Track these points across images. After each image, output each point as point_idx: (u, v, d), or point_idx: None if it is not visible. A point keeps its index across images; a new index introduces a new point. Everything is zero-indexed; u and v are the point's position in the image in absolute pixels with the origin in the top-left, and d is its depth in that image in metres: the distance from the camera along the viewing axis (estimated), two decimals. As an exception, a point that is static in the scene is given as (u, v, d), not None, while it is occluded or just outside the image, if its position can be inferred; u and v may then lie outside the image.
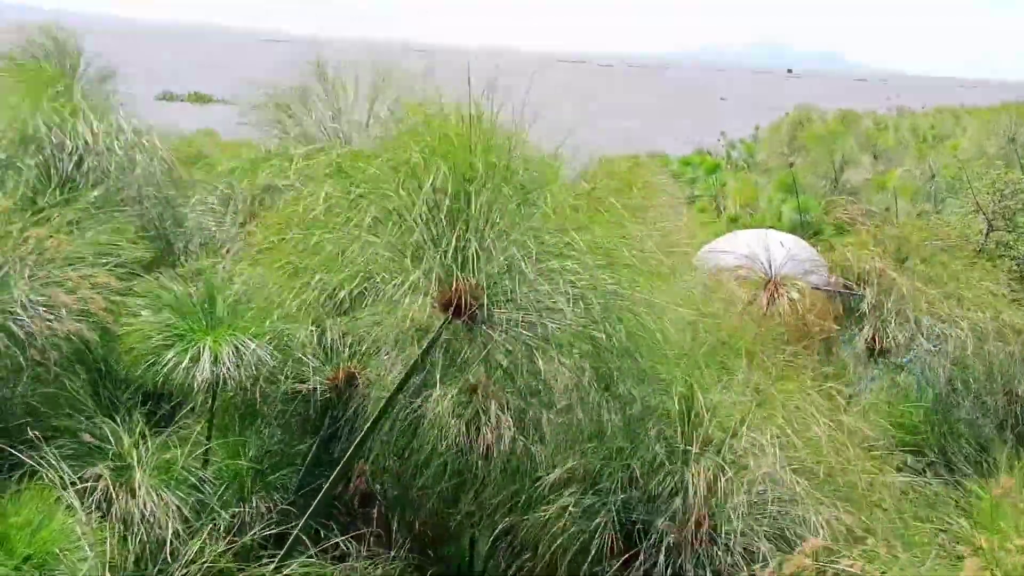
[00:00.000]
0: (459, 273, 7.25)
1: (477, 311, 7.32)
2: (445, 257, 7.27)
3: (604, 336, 7.58)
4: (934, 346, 10.87)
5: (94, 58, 11.65)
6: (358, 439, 7.62)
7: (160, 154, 9.75)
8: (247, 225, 8.53)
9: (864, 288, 11.57)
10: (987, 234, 19.16)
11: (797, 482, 7.77)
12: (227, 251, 8.60)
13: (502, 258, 7.34)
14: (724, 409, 8.17)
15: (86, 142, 9.35)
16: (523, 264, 7.28)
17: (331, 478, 7.50)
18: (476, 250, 7.28)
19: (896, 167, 31.85)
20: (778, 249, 13.91)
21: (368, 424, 7.55)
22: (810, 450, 7.94)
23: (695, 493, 7.65)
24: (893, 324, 11.07)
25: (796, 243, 17.50)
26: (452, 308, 7.29)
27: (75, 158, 9.29)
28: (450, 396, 7.50)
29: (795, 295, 11.24)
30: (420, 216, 7.37)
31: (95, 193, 9.05)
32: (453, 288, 7.25)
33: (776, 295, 11.39)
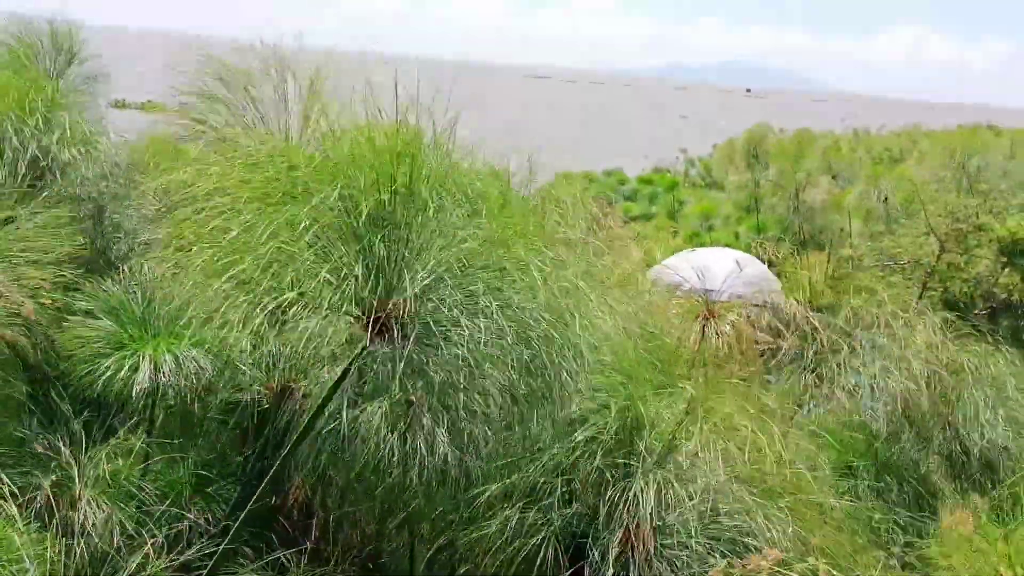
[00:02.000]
0: (382, 291, 7.11)
1: (403, 328, 7.17)
2: (368, 274, 7.11)
3: (536, 352, 7.49)
4: (875, 384, 10.92)
5: (86, 59, 11.60)
6: (285, 451, 7.53)
7: (106, 158, 9.62)
8: (179, 230, 8.38)
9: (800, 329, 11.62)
10: (939, 256, 19.37)
11: (744, 494, 7.77)
12: (162, 257, 8.44)
13: (426, 275, 7.18)
14: (663, 423, 8.14)
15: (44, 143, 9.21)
16: (448, 282, 7.17)
17: (258, 490, 7.40)
18: (400, 268, 7.14)
19: (852, 188, 32.13)
20: (724, 270, 13.94)
21: (296, 437, 7.46)
22: (752, 463, 7.93)
23: (637, 506, 7.63)
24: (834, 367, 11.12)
25: (750, 262, 17.59)
26: (374, 326, 7.12)
27: (32, 155, 9.15)
28: (383, 409, 7.41)
29: (727, 327, 11.23)
30: (343, 229, 7.20)
31: (44, 194, 8.94)
32: (376, 306, 7.08)
33: (712, 321, 11.40)
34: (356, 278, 7.03)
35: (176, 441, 8.25)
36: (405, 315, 7.05)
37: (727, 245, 24.91)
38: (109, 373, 7.43)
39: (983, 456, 11.16)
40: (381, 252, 7.12)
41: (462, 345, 7.17)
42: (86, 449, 7.56)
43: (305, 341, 7.51)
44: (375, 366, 7.42)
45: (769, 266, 16.75)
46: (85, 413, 8.02)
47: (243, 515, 7.43)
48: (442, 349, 7.26)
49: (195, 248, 7.56)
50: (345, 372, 7.27)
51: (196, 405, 7.91)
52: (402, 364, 7.10)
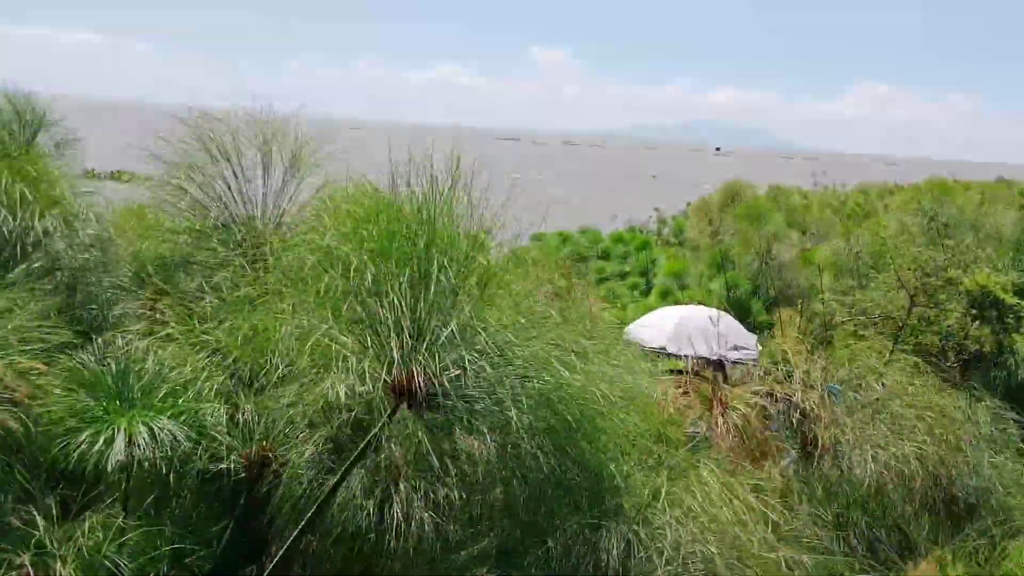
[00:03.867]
0: (413, 360, 7.19)
1: (429, 396, 7.25)
2: (401, 342, 7.19)
3: (553, 418, 7.54)
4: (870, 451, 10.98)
5: (52, 128, 11.63)
6: (293, 536, 7.50)
7: (82, 228, 9.62)
8: (155, 302, 8.41)
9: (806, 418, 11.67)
10: (910, 310, 19.50)
11: (714, 555, 7.78)
12: (138, 328, 8.45)
13: (453, 346, 7.28)
14: (639, 487, 8.18)
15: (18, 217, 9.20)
16: (479, 352, 7.26)
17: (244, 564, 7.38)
18: (432, 337, 7.24)
19: (822, 243, 32.39)
20: (700, 328, 14.05)
21: (304, 521, 7.42)
22: (719, 530, 7.96)
23: (609, 565, 7.65)
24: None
25: (723, 319, 17.70)
26: (404, 394, 7.21)
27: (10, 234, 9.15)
28: (360, 476, 7.41)
29: (737, 418, 11.29)
30: (377, 300, 7.29)
31: (18, 270, 8.92)
32: (407, 374, 7.17)
33: (724, 409, 11.45)
34: (396, 342, 7.10)
35: (152, 513, 8.19)
36: (429, 384, 7.12)
37: (700, 302, 25.02)
38: (83, 447, 7.38)
39: (972, 506, 11.25)
40: (408, 320, 7.19)
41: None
42: (62, 524, 7.49)
43: (282, 410, 7.52)
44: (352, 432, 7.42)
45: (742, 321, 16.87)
46: (60, 487, 7.97)
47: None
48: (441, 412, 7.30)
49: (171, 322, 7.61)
50: (373, 435, 7.26)
51: (171, 477, 7.86)
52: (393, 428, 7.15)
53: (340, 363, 7.21)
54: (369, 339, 7.22)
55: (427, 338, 7.22)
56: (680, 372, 12.15)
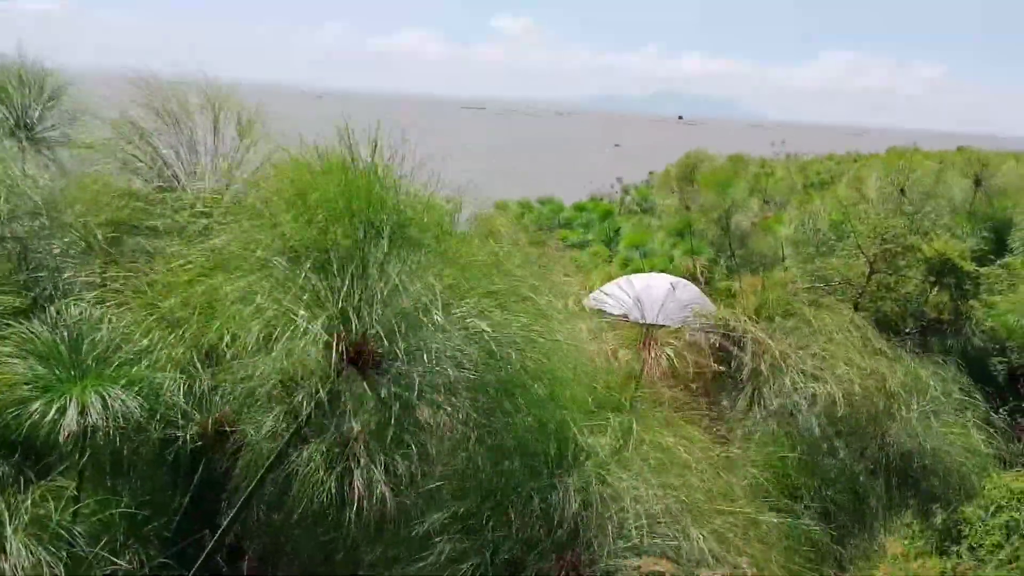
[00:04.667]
0: (357, 324, 7.17)
1: (374, 361, 7.24)
2: (345, 307, 7.18)
3: (494, 379, 7.54)
4: (806, 399, 11.10)
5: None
6: (240, 503, 7.46)
7: (29, 195, 9.47)
8: (105, 269, 8.31)
9: (740, 349, 11.79)
10: (869, 277, 19.68)
11: (679, 515, 7.81)
12: (89, 297, 8.33)
13: (396, 308, 7.26)
14: (599, 449, 8.18)
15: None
16: (423, 313, 7.23)
17: (201, 534, 7.34)
18: (376, 300, 7.22)
19: (784, 211, 32.56)
20: (660, 296, 14.06)
21: (244, 482, 7.40)
22: (684, 485, 7.99)
23: (566, 527, 7.67)
24: (768, 386, 11.29)
25: (683, 286, 17.73)
26: (348, 358, 7.19)
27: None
28: (321, 450, 7.37)
29: (669, 351, 11.39)
30: (314, 266, 7.25)
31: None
32: (352, 340, 7.16)
33: (652, 348, 11.54)
34: (335, 314, 7.08)
35: (108, 483, 8.13)
36: (376, 350, 7.10)
37: (662, 270, 25.08)
38: (36, 416, 7.29)
39: (912, 463, 11.39)
40: (353, 286, 7.16)
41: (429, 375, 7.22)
42: (14, 493, 7.42)
43: (240, 381, 7.46)
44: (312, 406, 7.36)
45: (696, 281, 16.93)
46: (15, 457, 7.89)
47: (175, 556, 7.35)
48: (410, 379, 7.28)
49: (125, 289, 7.53)
50: (327, 397, 7.23)
51: (126, 447, 7.78)
52: (353, 399, 7.13)
53: (288, 332, 7.18)
54: (312, 308, 7.18)
55: (371, 304, 7.21)
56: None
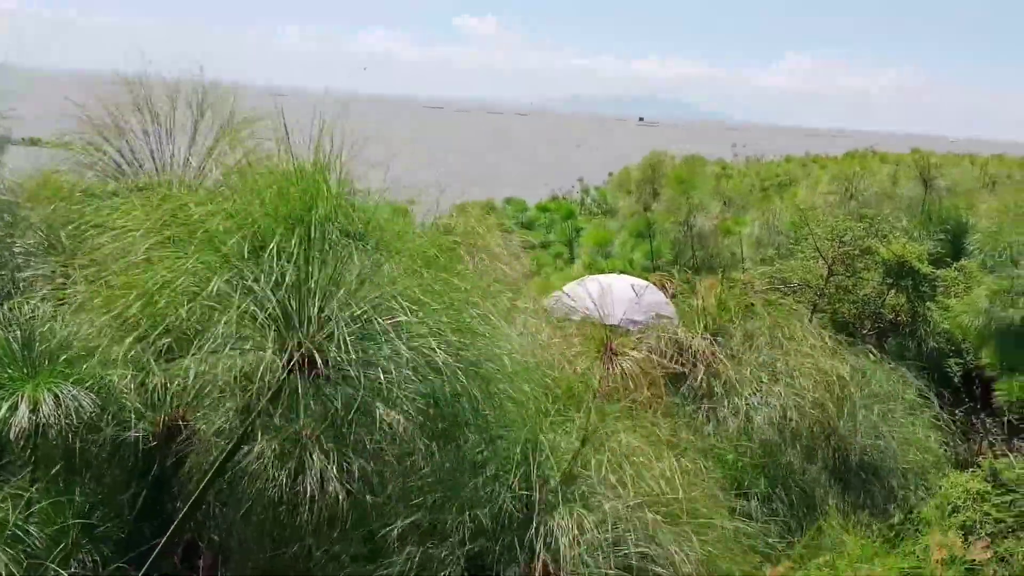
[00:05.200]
0: (300, 332, 7.14)
1: (315, 365, 7.20)
2: (287, 316, 7.16)
3: (442, 387, 7.50)
4: (761, 400, 11.18)
5: None
6: (192, 500, 7.38)
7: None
8: (66, 267, 8.22)
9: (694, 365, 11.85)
10: (827, 279, 19.82)
11: (645, 519, 7.81)
12: (44, 294, 8.23)
13: (343, 315, 7.22)
14: (560, 453, 8.16)
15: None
16: (365, 321, 7.20)
17: (163, 540, 7.24)
18: (317, 309, 7.19)
19: (743, 213, 32.72)
20: (621, 297, 14.07)
21: (197, 478, 7.33)
22: (647, 491, 8.00)
23: (538, 538, 7.63)
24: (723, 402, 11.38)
25: (647, 289, 17.75)
26: (292, 364, 7.16)
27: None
28: (272, 447, 7.30)
29: (627, 363, 11.42)
30: (257, 274, 7.21)
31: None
32: (294, 346, 7.14)
33: (613, 357, 11.57)
34: (276, 317, 7.05)
35: (60, 482, 8.01)
36: (317, 351, 7.06)
37: (623, 271, 25.11)
38: (-14, 414, 7.17)
39: (866, 464, 11.47)
40: (293, 290, 7.13)
41: (368, 379, 7.17)
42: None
43: (193, 378, 7.38)
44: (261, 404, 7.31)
45: (664, 291, 16.96)
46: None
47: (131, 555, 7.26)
48: (344, 384, 7.23)
49: (80, 285, 7.44)
50: (268, 401, 7.18)
51: (79, 444, 7.68)
52: (304, 399, 7.08)
53: (234, 332, 7.15)
54: (256, 312, 7.15)
55: (314, 309, 7.19)
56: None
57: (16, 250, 9.56)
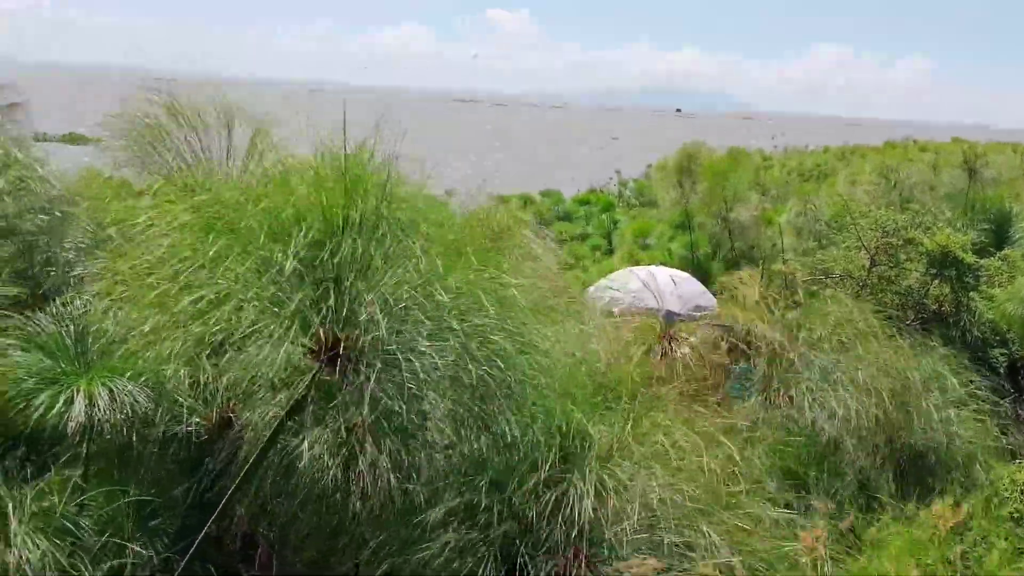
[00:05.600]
0: (332, 323, 7.18)
1: (352, 357, 7.24)
2: (319, 308, 7.20)
3: (480, 375, 7.51)
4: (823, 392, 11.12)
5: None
6: (234, 485, 7.44)
7: (38, 191, 9.45)
8: (115, 264, 8.31)
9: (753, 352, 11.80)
10: (870, 270, 19.62)
11: (682, 506, 7.81)
12: (96, 290, 8.33)
13: (376, 308, 7.24)
14: (602, 440, 8.17)
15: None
16: (399, 312, 7.23)
17: (207, 524, 7.31)
18: (350, 301, 7.21)
19: (782, 204, 32.47)
20: (664, 288, 14.08)
21: (244, 469, 7.39)
22: (687, 477, 8.00)
23: (571, 521, 7.65)
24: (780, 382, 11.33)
25: (686, 280, 17.73)
26: (325, 357, 7.20)
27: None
28: (325, 438, 7.35)
29: (687, 349, 11.42)
30: (293, 267, 7.25)
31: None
32: (326, 338, 7.18)
33: (672, 345, 11.56)
34: (315, 311, 7.09)
35: (114, 475, 8.10)
36: (359, 346, 7.09)
37: (662, 263, 25.05)
38: (43, 408, 7.27)
39: (921, 454, 11.37)
40: (334, 284, 7.16)
41: (412, 372, 7.20)
42: (20, 485, 7.40)
43: (244, 371, 7.44)
44: (317, 394, 7.37)
45: (703, 282, 16.92)
46: (20, 449, 7.87)
47: (185, 548, 7.33)
48: (391, 375, 7.27)
49: (132, 282, 7.53)
50: (301, 398, 7.23)
51: (134, 438, 7.76)
52: (352, 391, 7.12)
53: (275, 328, 7.22)
54: (291, 307, 7.20)
55: (346, 301, 7.22)
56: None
57: (66, 246, 9.67)
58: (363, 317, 7.22)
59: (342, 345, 7.21)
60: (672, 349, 11.48)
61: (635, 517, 7.67)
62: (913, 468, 11.39)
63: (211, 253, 7.25)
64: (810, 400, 11.15)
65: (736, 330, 11.84)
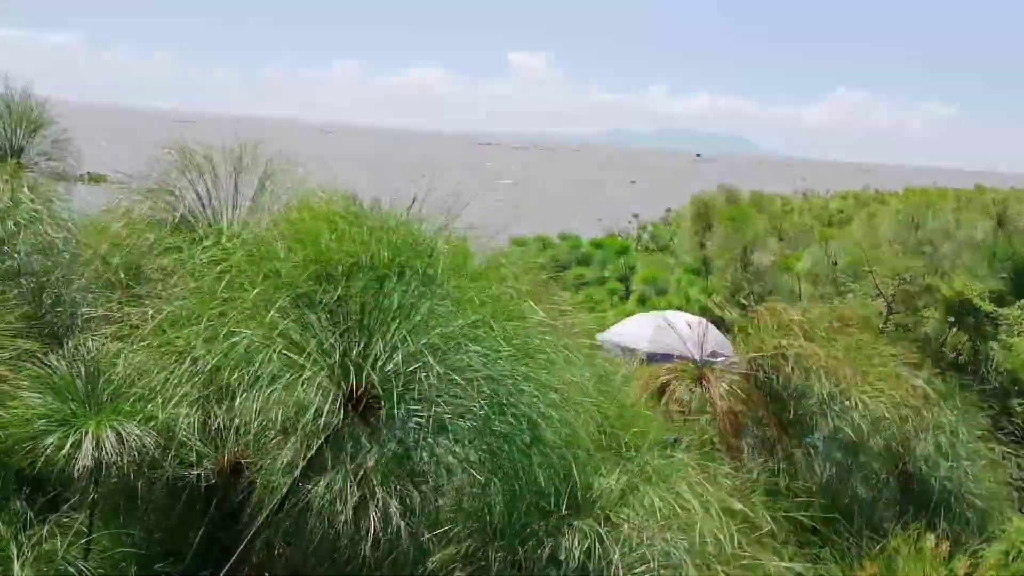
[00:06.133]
0: (357, 372, 7.18)
1: (377, 406, 7.25)
2: (347, 355, 7.21)
3: (504, 425, 7.48)
4: (830, 431, 11.06)
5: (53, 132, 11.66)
6: (251, 532, 7.43)
7: (50, 231, 9.48)
8: (125, 305, 8.31)
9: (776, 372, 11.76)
10: (887, 317, 19.59)
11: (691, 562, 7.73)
12: (107, 332, 8.34)
13: (401, 356, 7.25)
14: (606, 490, 8.12)
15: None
16: (427, 361, 7.21)
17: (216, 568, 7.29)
18: (379, 349, 7.22)
19: (801, 249, 32.43)
20: (684, 333, 14.00)
21: (255, 514, 7.37)
22: (690, 531, 7.92)
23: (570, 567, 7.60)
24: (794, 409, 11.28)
25: (701, 325, 17.64)
26: (352, 404, 7.21)
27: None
28: (338, 483, 7.32)
29: (723, 388, 11.39)
30: (320, 315, 7.28)
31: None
32: (353, 386, 7.19)
33: (708, 384, 11.53)
34: (336, 358, 7.10)
35: (120, 519, 8.08)
36: (382, 393, 7.09)
37: (679, 308, 25.00)
38: (50, 450, 7.26)
39: (935, 499, 11.29)
40: (356, 332, 7.17)
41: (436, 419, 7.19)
42: (24, 529, 7.39)
43: (255, 415, 7.42)
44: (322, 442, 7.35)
45: (720, 327, 16.85)
46: (25, 491, 7.85)
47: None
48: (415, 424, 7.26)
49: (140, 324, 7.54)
50: (324, 442, 7.22)
51: (140, 482, 7.75)
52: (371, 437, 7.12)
53: (293, 374, 7.21)
54: (315, 351, 7.21)
55: (374, 348, 7.21)
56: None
57: (74, 287, 9.70)
58: (393, 367, 7.20)
59: (371, 394, 7.20)
60: (710, 390, 11.45)
61: (641, 568, 7.59)
62: (924, 510, 11.27)
63: (248, 300, 7.26)
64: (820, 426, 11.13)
65: (758, 375, 11.80)
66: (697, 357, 13.17)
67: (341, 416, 7.20)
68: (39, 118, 11.68)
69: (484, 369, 7.35)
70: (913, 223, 26.34)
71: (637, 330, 19.28)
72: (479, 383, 7.29)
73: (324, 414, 7.17)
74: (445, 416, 7.28)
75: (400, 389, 7.14)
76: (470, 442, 7.45)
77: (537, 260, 12.50)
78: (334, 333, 7.30)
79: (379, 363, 7.21)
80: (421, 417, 7.32)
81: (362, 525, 7.26)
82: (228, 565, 7.49)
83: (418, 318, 7.38)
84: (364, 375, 7.18)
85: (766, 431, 11.63)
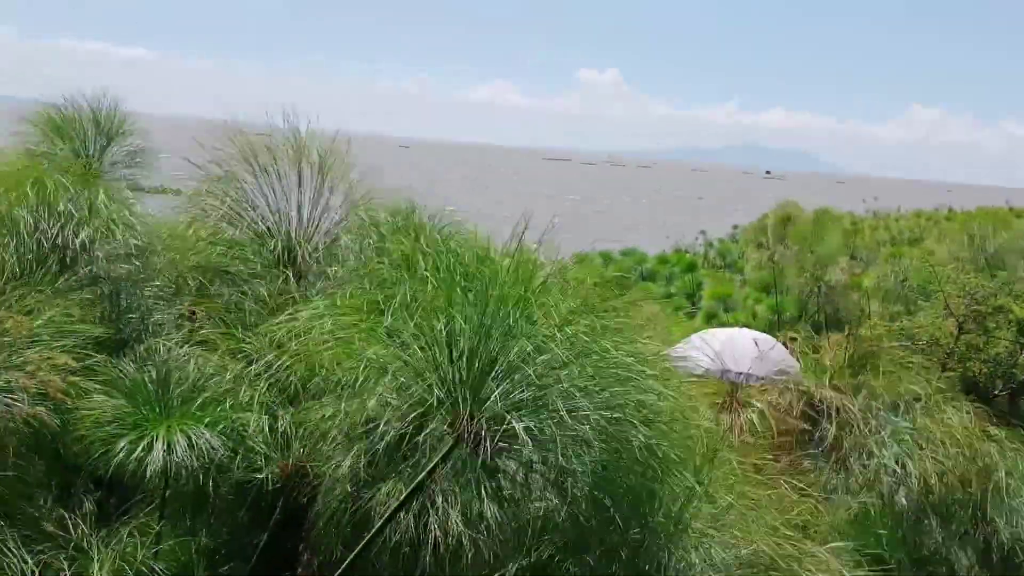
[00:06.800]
0: (470, 405, 7.15)
1: (482, 436, 7.23)
2: (460, 389, 7.18)
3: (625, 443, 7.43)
4: (896, 474, 10.79)
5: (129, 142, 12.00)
6: (309, 535, 7.52)
7: (124, 239, 9.68)
8: (196, 312, 8.48)
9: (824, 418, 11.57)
10: (957, 337, 19.30)
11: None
12: (177, 337, 8.51)
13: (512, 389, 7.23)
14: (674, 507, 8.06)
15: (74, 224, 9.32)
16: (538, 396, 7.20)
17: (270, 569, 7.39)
18: (491, 385, 7.18)
19: (872, 268, 32.11)
20: (743, 351, 13.90)
21: (319, 518, 7.44)
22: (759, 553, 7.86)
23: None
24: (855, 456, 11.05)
25: (768, 343, 17.52)
26: (460, 435, 7.19)
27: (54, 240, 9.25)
28: (400, 489, 7.36)
29: (753, 415, 11.23)
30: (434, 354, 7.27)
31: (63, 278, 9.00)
32: (464, 419, 7.15)
33: (736, 407, 11.41)
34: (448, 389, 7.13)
35: (188, 521, 8.23)
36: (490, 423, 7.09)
37: (745, 325, 24.82)
38: (123, 453, 7.42)
39: (1014, 552, 10.90)
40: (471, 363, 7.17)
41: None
42: (100, 529, 7.56)
43: (321, 422, 7.51)
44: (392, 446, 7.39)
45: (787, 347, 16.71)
46: (99, 493, 8.03)
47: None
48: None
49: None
50: (432, 468, 7.24)
51: (209, 485, 7.88)
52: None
53: (382, 380, 7.24)
54: (421, 364, 7.21)
55: (486, 385, 7.17)
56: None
57: (146, 293, 9.89)
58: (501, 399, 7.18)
59: (476, 422, 7.17)
60: (735, 414, 11.31)
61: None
62: (1001, 565, 10.90)
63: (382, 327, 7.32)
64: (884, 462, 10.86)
65: (811, 394, 11.64)
66: (761, 374, 13.10)
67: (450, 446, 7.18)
68: (121, 128, 12.00)
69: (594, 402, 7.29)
70: (984, 242, 25.95)
71: (703, 347, 19.18)
72: (594, 421, 7.24)
73: (439, 441, 7.21)
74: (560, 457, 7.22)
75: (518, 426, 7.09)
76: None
77: (611, 275, 12.48)
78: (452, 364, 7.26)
79: (495, 399, 7.15)
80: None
81: (422, 534, 7.30)
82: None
83: (543, 357, 7.32)
84: (481, 408, 7.12)
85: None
